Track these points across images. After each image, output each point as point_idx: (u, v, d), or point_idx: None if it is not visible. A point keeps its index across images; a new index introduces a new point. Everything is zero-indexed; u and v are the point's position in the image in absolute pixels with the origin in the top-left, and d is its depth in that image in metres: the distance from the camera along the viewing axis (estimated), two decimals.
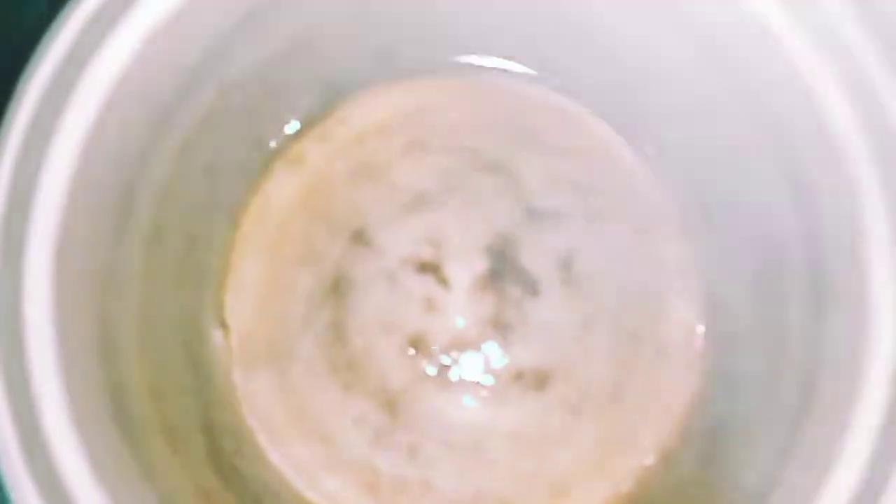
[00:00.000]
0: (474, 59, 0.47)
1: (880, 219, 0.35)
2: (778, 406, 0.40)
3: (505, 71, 0.48)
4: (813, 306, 0.38)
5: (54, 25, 0.36)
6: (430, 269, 0.47)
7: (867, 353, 0.35)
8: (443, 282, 0.47)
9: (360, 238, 0.47)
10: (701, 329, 0.46)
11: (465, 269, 0.47)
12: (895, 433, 0.34)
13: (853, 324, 0.36)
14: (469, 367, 0.47)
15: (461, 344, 0.47)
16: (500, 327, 0.47)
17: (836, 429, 0.35)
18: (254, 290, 0.47)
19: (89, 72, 0.36)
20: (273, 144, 0.48)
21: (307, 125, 0.48)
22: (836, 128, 0.36)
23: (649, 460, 0.46)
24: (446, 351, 0.47)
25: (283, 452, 0.47)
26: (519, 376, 0.47)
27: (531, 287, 0.47)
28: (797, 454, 0.37)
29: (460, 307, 0.47)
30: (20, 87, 0.36)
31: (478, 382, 0.47)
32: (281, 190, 0.48)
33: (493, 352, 0.47)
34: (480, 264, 0.47)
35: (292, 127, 0.48)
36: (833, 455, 0.35)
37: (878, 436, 0.34)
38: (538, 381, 0.47)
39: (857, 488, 0.34)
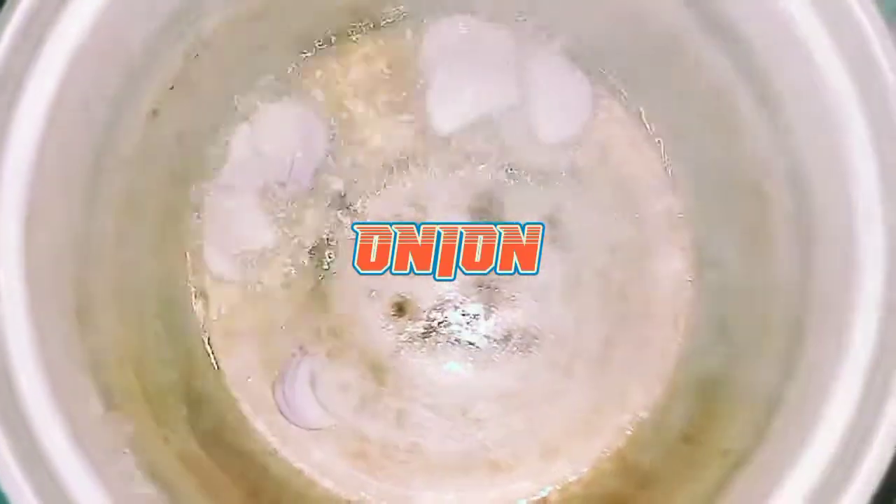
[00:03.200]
0: (445, 14, 0.46)
1: (867, 157, 0.34)
2: (766, 358, 0.39)
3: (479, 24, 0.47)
4: (801, 254, 0.38)
5: None
6: None
7: (855, 302, 0.34)
8: None
9: (341, 202, 0.46)
10: (689, 282, 0.46)
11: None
12: (881, 385, 0.34)
13: (841, 270, 0.35)
14: (455, 330, 0.46)
15: (447, 307, 0.46)
16: (486, 288, 0.46)
17: (823, 381, 0.35)
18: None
19: (53, 34, 0.35)
20: (247, 107, 0.46)
21: (282, 86, 0.46)
22: (820, 67, 0.35)
23: (639, 418, 0.46)
24: (432, 314, 0.46)
25: (267, 422, 0.46)
26: (507, 337, 0.46)
27: None
28: (784, 407, 0.37)
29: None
30: None
31: (465, 345, 0.46)
32: None
33: (480, 314, 0.46)
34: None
35: (266, 89, 0.46)
36: (820, 408, 0.34)
37: (865, 388, 0.34)
38: (526, 341, 0.46)
39: (841, 444, 0.34)
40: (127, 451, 0.36)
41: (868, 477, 0.33)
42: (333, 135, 0.46)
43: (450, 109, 0.47)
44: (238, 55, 0.44)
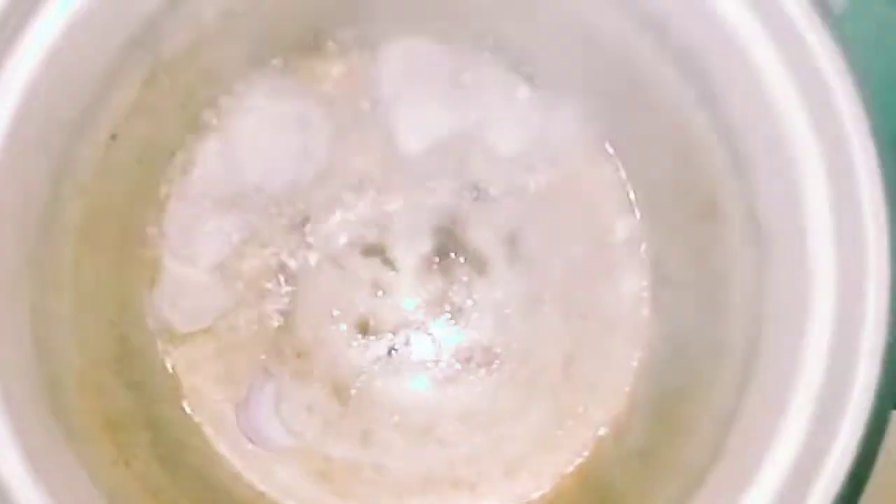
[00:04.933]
0: (405, 35, 0.47)
1: (819, 182, 0.35)
2: (721, 375, 0.40)
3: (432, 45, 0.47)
4: (754, 269, 0.38)
5: None
6: (375, 251, 0.47)
7: (807, 323, 0.35)
8: (389, 264, 0.47)
9: (303, 223, 0.46)
10: (647, 300, 0.47)
11: (411, 250, 0.47)
12: (835, 400, 0.34)
13: (793, 285, 0.36)
14: (418, 349, 0.46)
15: (410, 326, 0.46)
16: (448, 308, 0.46)
17: (778, 396, 0.35)
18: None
19: (8, 65, 0.35)
20: (208, 125, 0.46)
21: (240, 105, 0.46)
22: (768, 84, 0.36)
23: (601, 433, 0.46)
24: (395, 334, 0.46)
25: (231, 445, 0.46)
26: (469, 356, 0.46)
27: (478, 266, 0.47)
28: (739, 425, 0.37)
29: (408, 289, 0.47)
30: None
31: (428, 364, 0.46)
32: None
33: (443, 333, 0.46)
34: (426, 244, 0.47)
35: (225, 107, 0.46)
36: (775, 426, 0.35)
37: (818, 405, 0.34)
38: (488, 360, 0.46)
39: (797, 461, 0.34)
40: (87, 477, 0.36)
41: (823, 495, 0.34)
42: (295, 154, 0.47)
43: (412, 130, 0.47)
44: (196, 76, 0.44)
